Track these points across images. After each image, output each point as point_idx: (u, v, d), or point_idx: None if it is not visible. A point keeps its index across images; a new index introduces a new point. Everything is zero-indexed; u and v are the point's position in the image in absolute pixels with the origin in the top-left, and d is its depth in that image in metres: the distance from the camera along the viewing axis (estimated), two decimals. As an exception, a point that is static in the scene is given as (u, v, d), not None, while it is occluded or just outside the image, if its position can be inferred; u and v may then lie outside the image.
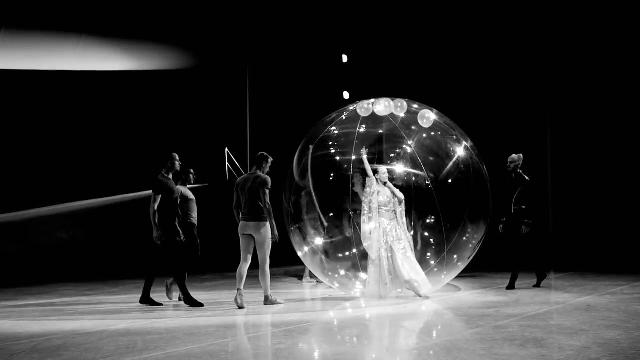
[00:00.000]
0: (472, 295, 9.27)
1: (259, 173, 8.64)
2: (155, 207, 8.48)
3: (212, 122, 16.85)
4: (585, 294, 8.95)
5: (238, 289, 8.34)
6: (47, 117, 14.71)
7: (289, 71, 17.53)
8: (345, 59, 17.37)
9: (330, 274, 9.79)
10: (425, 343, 5.92)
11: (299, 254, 9.92)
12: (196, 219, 9.22)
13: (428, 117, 9.54)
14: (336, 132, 9.93)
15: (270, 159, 8.77)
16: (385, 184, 9.28)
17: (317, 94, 17.19)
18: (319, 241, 9.90)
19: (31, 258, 13.93)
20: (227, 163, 16.80)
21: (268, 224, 8.50)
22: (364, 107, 9.73)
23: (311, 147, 9.86)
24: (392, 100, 9.73)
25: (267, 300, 8.57)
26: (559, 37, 14.95)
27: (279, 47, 17.28)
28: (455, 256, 9.49)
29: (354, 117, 9.84)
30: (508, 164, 9.74)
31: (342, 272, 9.77)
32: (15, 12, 13.76)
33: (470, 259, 9.64)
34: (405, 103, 9.72)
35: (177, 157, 8.82)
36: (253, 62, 17.53)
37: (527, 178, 9.63)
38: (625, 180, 14.12)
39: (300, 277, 12.22)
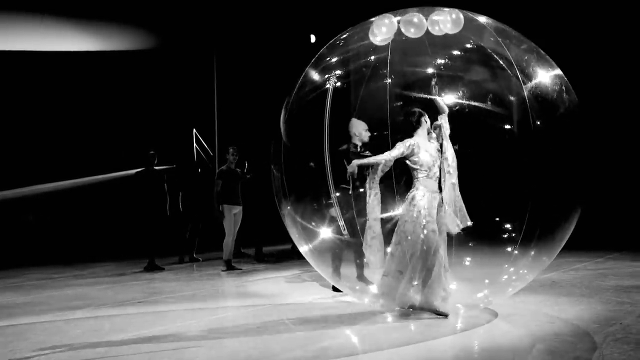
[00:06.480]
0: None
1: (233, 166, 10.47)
2: None
3: (179, 103, 16.70)
4: (550, 270, 9.07)
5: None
6: (10, 99, 14.45)
7: (257, 51, 17.40)
8: (313, 39, 17.26)
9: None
10: (390, 318, 5.96)
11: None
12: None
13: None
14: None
15: (231, 149, 10.51)
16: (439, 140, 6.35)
17: (285, 75, 17.11)
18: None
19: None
20: (194, 144, 16.71)
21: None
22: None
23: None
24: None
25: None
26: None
27: (246, 27, 17.12)
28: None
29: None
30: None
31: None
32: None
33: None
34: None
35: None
36: (220, 43, 17.36)
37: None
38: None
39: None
